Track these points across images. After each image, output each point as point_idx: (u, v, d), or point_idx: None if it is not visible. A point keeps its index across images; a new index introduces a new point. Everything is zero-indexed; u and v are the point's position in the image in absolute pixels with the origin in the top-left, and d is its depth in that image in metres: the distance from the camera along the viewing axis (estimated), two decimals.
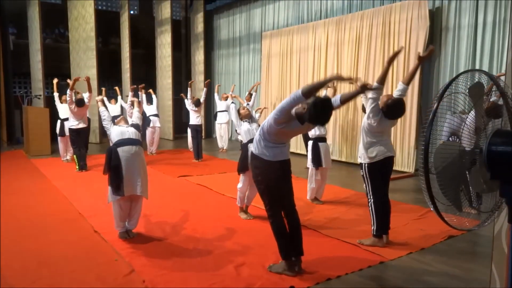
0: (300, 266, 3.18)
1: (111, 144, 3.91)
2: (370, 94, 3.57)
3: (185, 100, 9.07)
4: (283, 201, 3.19)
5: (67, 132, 7.95)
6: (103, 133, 10.24)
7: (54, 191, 5.90)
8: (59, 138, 8.25)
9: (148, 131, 9.33)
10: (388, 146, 3.73)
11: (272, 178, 3.08)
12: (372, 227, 3.75)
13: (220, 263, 3.37)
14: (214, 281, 3.05)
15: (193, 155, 8.72)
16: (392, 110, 3.62)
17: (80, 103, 7.37)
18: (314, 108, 2.80)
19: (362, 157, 3.72)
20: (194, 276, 3.14)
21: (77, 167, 7.35)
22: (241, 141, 4.72)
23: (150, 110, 9.43)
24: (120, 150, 3.77)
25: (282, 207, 3.19)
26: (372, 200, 3.70)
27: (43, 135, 9.15)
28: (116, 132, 3.92)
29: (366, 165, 3.68)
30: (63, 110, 8.12)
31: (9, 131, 11.15)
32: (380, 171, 3.69)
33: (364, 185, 3.77)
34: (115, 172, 3.72)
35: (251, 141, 4.48)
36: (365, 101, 3.68)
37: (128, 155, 3.78)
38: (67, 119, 7.90)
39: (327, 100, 2.98)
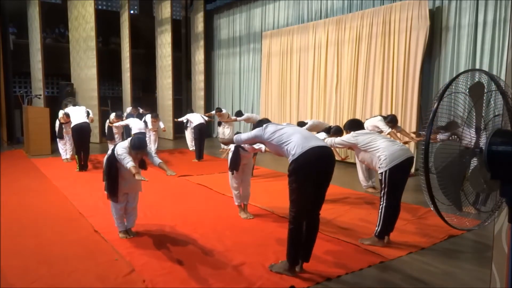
0: (301, 266, 3.18)
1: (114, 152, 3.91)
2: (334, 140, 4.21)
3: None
4: (310, 212, 3.14)
5: (65, 135, 8.05)
6: (103, 133, 10.23)
7: (54, 191, 5.90)
8: (58, 139, 8.27)
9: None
10: (404, 147, 3.82)
11: (305, 181, 2.98)
12: (376, 228, 3.74)
13: (220, 262, 3.37)
14: (214, 280, 3.05)
15: (195, 155, 8.71)
16: (350, 124, 4.25)
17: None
18: None
19: (382, 166, 3.66)
20: (194, 275, 3.14)
21: (77, 167, 7.36)
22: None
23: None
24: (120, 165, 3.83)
25: (307, 216, 3.14)
26: (384, 204, 3.68)
27: (43, 134, 9.15)
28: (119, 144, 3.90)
29: (387, 171, 3.62)
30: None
31: (9, 131, 11.14)
32: (401, 174, 3.68)
33: (380, 188, 3.75)
34: (112, 183, 3.82)
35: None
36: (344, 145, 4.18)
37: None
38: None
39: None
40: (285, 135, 3.13)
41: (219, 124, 9.86)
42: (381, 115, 6.24)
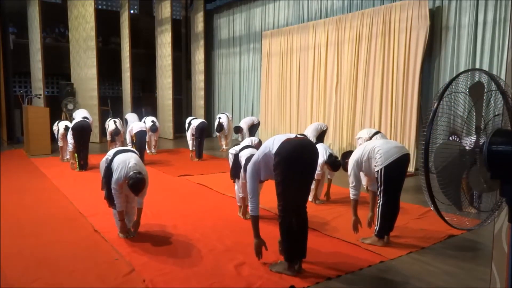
0: (300, 265, 3.18)
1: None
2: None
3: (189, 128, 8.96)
4: (297, 204, 3.16)
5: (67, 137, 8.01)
6: (103, 133, 10.24)
7: (54, 190, 5.90)
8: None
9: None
10: (399, 145, 3.81)
11: (289, 173, 3.00)
12: (376, 227, 3.75)
13: (220, 262, 3.37)
14: (214, 280, 3.05)
15: (195, 154, 8.69)
16: (342, 156, 4.36)
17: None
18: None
19: (378, 164, 3.64)
20: (194, 275, 3.14)
21: (77, 166, 7.35)
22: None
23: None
24: None
25: (294, 209, 3.15)
26: (381, 202, 3.67)
27: (43, 134, 9.15)
28: (119, 161, 3.81)
29: (382, 169, 3.61)
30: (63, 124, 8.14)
31: (9, 131, 11.14)
32: (398, 171, 3.66)
33: (377, 186, 3.73)
34: (111, 192, 3.79)
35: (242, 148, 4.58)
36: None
37: None
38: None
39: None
40: (266, 142, 3.19)
41: (219, 130, 9.75)
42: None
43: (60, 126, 7.92)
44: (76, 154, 7.39)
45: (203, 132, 8.64)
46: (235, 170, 4.49)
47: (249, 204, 3.18)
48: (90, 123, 8.11)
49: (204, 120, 8.94)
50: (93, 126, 8.57)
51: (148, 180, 3.82)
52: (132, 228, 3.97)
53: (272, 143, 3.11)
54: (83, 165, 7.40)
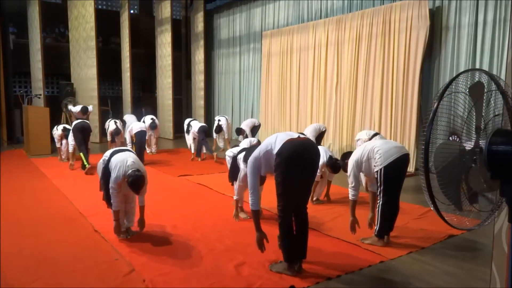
0: (300, 265, 3.18)
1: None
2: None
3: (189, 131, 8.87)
4: (297, 204, 3.16)
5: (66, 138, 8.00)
6: (103, 133, 10.23)
7: (54, 190, 5.90)
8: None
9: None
10: (398, 145, 3.81)
11: (290, 174, 3.00)
12: (376, 227, 3.75)
13: (220, 262, 3.37)
14: (214, 280, 3.05)
15: (196, 154, 8.68)
16: (342, 156, 4.40)
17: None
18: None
19: (377, 164, 3.63)
20: (194, 275, 3.14)
21: (86, 163, 7.20)
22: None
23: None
24: None
25: (294, 209, 3.16)
26: (381, 202, 3.67)
27: (43, 134, 9.16)
28: (117, 160, 3.81)
29: (382, 169, 3.61)
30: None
31: (9, 131, 11.14)
32: (397, 171, 3.66)
33: (377, 186, 3.73)
34: (109, 193, 3.79)
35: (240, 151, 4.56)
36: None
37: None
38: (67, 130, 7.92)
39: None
40: (268, 139, 3.19)
41: (218, 131, 9.70)
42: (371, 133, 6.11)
43: (59, 129, 7.95)
44: (82, 154, 7.33)
45: (204, 135, 8.63)
46: (233, 172, 4.48)
47: (249, 199, 3.17)
48: (90, 112, 8.96)
49: (204, 124, 8.85)
50: (93, 119, 8.93)
51: (147, 178, 3.81)
52: (138, 227, 3.94)
53: (274, 141, 3.10)
54: (84, 165, 7.37)
